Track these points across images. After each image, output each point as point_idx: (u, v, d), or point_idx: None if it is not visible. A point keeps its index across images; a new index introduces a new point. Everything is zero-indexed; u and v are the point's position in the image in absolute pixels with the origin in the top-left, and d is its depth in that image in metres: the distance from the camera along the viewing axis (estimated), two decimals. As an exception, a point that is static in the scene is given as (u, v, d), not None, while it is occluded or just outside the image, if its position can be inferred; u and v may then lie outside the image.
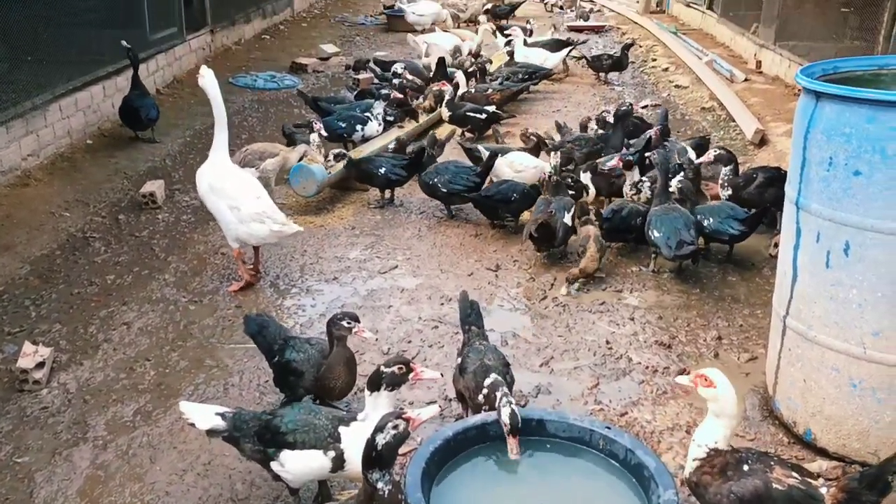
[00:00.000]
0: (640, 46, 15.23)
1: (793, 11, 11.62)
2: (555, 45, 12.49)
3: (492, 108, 9.26)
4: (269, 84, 11.89)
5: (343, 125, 8.43)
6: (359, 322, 4.06)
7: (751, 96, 10.56)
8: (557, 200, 6.23)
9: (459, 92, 9.36)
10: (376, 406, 3.34)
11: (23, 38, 8.09)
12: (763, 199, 6.25)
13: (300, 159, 7.19)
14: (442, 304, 5.53)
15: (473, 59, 12.13)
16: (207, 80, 5.47)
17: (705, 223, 5.93)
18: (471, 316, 4.30)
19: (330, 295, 5.64)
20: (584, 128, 8.63)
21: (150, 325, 5.21)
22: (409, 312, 5.41)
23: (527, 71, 11.04)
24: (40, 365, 4.51)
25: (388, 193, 7.34)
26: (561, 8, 20.41)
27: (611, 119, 8.09)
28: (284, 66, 13.15)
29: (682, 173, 6.64)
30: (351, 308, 5.42)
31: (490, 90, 9.85)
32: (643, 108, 10.88)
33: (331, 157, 7.21)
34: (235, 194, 5.44)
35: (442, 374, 4.10)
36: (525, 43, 12.19)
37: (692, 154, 6.92)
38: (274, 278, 5.88)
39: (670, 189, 6.38)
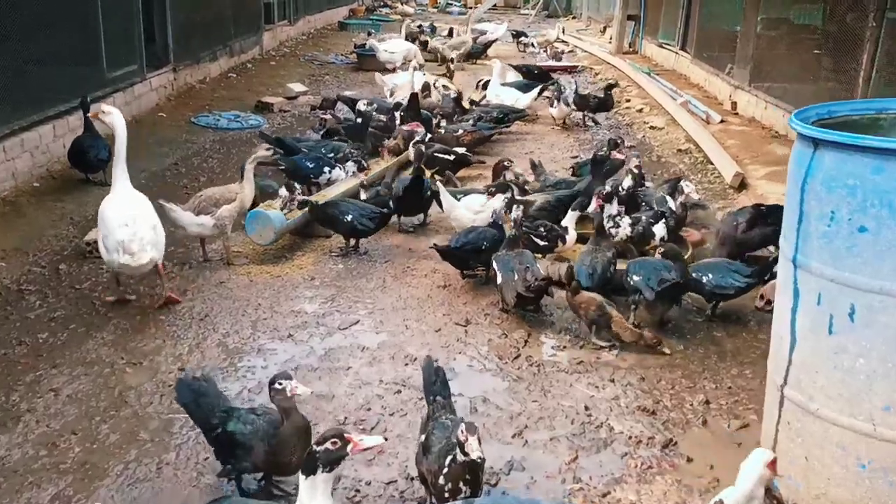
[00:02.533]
0: (614, 82, 15.03)
1: (767, 53, 11.48)
2: (525, 86, 12.27)
3: (461, 150, 8.90)
4: (233, 124, 11.47)
5: (311, 165, 8.01)
6: (291, 380, 3.60)
7: (727, 138, 10.32)
8: (519, 255, 5.82)
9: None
10: (313, 493, 2.87)
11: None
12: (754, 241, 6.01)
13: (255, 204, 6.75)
14: (406, 364, 5.07)
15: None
16: (115, 118, 5.83)
17: (704, 280, 5.56)
18: (436, 384, 3.86)
19: (283, 355, 5.16)
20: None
21: (80, 391, 4.68)
22: (369, 375, 4.94)
23: (500, 112, 10.71)
24: (-53, 442, 3.98)
25: (352, 241, 6.90)
26: (533, 45, 20.28)
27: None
28: (250, 104, 12.77)
29: (662, 221, 6.29)
30: (306, 370, 4.95)
31: (461, 131, 9.50)
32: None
33: (293, 203, 6.77)
34: (107, 222, 5.50)
35: (386, 439, 3.71)
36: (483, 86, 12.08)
37: (672, 203, 6.58)
38: (223, 335, 5.40)
39: (655, 238, 6.08)
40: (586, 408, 4.63)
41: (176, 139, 10.52)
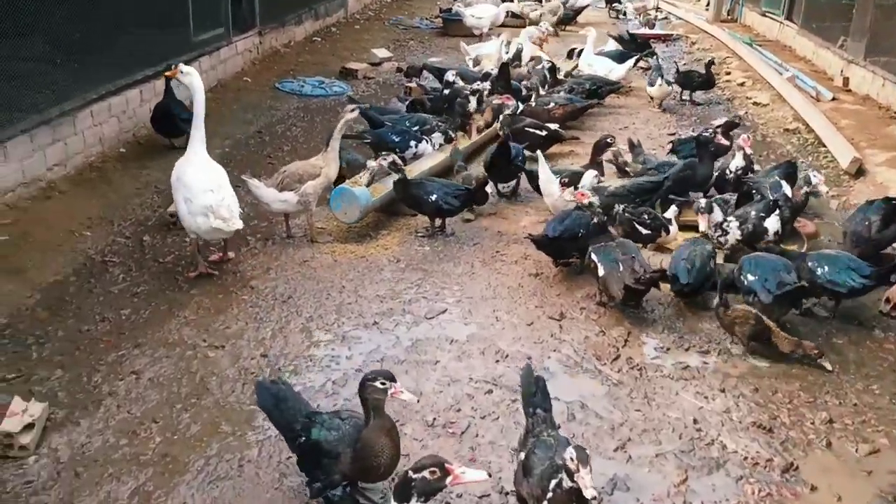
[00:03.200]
0: (714, 58, 14.22)
1: (886, 24, 10.59)
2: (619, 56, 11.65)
3: (553, 126, 8.45)
4: (317, 90, 11.25)
5: (396, 139, 7.72)
6: (395, 381, 3.33)
7: (840, 118, 9.58)
8: (621, 245, 5.42)
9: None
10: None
11: (56, 37, 7.56)
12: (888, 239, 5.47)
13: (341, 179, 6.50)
14: (497, 361, 4.77)
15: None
16: (193, 78, 5.72)
17: (819, 272, 5.06)
18: (536, 395, 3.53)
19: (368, 344, 4.91)
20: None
21: (162, 375, 4.54)
22: (458, 370, 4.66)
23: (593, 83, 10.18)
24: (29, 427, 3.86)
25: (438, 222, 6.59)
26: (625, 14, 19.45)
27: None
28: (334, 70, 12.51)
29: (777, 212, 5.78)
30: (392, 362, 4.69)
31: (552, 104, 9.03)
32: (717, 127, 10.01)
33: (384, 162, 6.42)
34: (191, 186, 5.40)
35: (490, 475, 3.36)
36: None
37: (787, 189, 6.04)
38: (307, 319, 5.18)
39: (769, 234, 5.58)
40: (695, 421, 4.24)
41: (260, 105, 10.36)
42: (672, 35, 16.86)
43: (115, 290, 5.51)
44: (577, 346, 4.95)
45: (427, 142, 7.89)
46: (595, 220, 5.57)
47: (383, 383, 3.28)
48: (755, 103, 10.93)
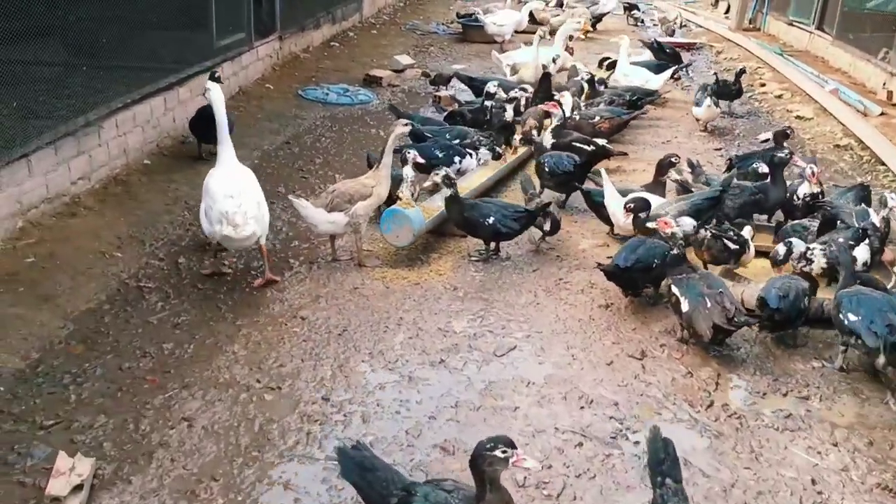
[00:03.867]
0: (745, 67, 13.83)
1: (933, 36, 10.23)
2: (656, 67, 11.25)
3: (601, 142, 8.04)
4: (343, 98, 10.82)
5: (440, 154, 7.29)
6: (515, 448, 2.93)
7: (893, 133, 9.19)
8: (704, 277, 5.00)
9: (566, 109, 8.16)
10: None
11: (79, 42, 7.13)
12: None
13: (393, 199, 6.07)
14: (582, 407, 4.35)
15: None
16: (213, 93, 5.68)
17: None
18: (665, 463, 3.11)
19: (438, 387, 4.48)
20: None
21: (217, 421, 4.10)
22: (541, 418, 4.23)
23: (633, 94, 9.77)
24: (77, 488, 3.43)
25: (492, 245, 6.17)
26: (643, 21, 19.07)
27: (763, 168, 6.78)
28: (356, 77, 12.08)
29: (866, 241, 5.38)
30: (468, 409, 4.27)
31: (597, 118, 8.62)
32: (763, 142, 9.64)
33: (436, 177, 5.99)
34: (213, 192, 5.32)
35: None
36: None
37: (875, 217, 5.63)
38: (367, 356, 4.75)
39: (857, 264, 5.17)
40: (813, 482, 3.83)
41: (285, 114, 9.92)
42: (696, 44, 16.47)
43: (153, 321, 5.07)
44: (665, 390, 4.54)
45: (471, 156, 7.47)
46: (675, 251, 5.14)
47: (504, 451, 2.87)
48: (798, 117, 10.52)
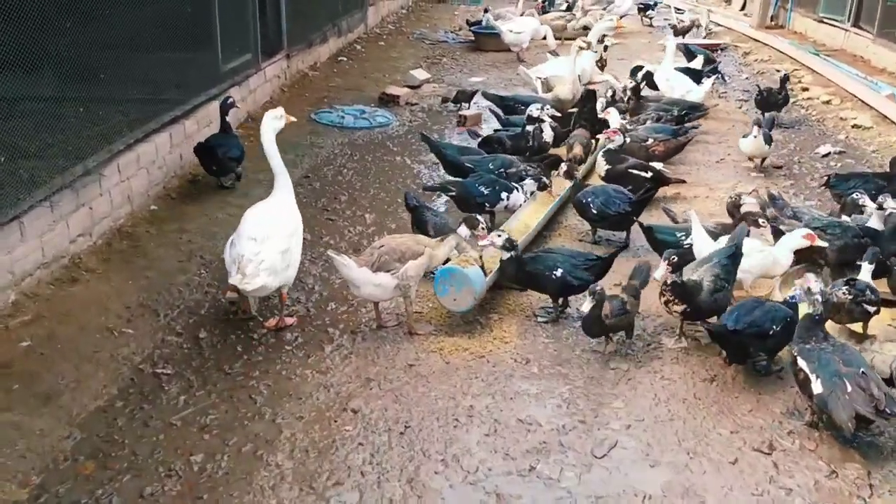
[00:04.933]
0: (777, 70, 13.02)
1: None
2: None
3: (658, 166, 7.22)
4: (360, 122, 9.97)
5: (486, 191, 6.47)
6: None
7: (971, 144, 8.39)
8: (839, 349, 4.15)
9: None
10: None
11: (73, 73, 6.26)
12: None
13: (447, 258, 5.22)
14: (719, 530, 3.51)
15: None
16: (262, 128, 5.33)
17: None
18: None
19: (536, 508, 3.64)
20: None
21: (267, 574, 3.26)
22: (671, 549, 3.40)
23: (681, 109, 8.94)
24: None
25: (560, 301, 5.34)
26: (673, 27, 18.18)
27: (865, 202, 5.93)
28: (370, 96, 11.23)
29: None
30: (579, 539, 3.43)
31: (651, 139, 7.78)
32: (824, 156, 8.82)
33: (496, 240, 5.16)
34: (241, 229, 4.94)
35: None
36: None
37: None
38: (439, 463, 3.91)
39: None
40: None
41: (300, 142, 9.07)
42: (720, 45, 15.64)
43: (176, 422, 4.22)
44: (810, 498, 3.70)
45: (519, 190, 6.64)
46: (816, 311, 4.24)
47: None
48: (855, 126, 9.69)
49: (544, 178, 6.91)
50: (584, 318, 4.76)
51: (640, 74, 10.69)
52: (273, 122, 5.29)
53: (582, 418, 4.26)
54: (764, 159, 8.30)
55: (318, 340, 5.02)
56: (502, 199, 6.51)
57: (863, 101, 10.36)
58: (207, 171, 7.44)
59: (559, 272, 5.13)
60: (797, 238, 5.27)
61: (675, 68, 10.56)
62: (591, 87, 10.28)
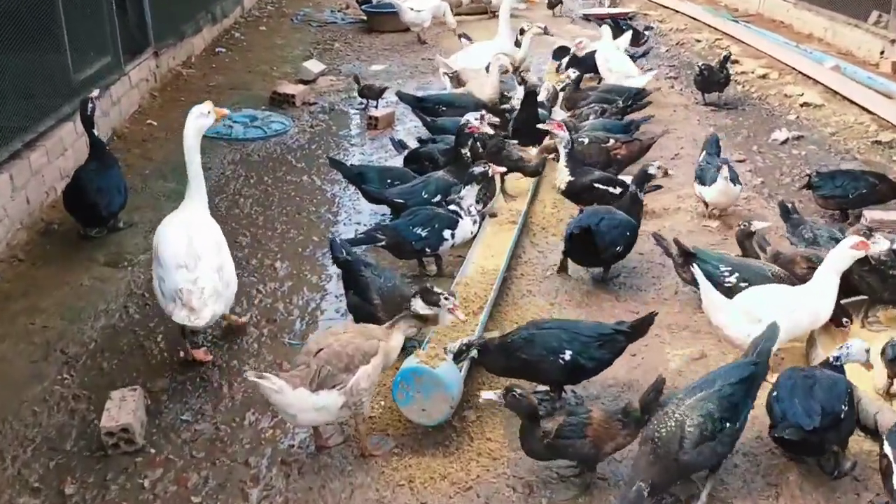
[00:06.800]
0: (697, 41, 12.15)
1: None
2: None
3: (627, 179, 6.08)
4: (252, 131, 8.40)
5: (424, 233, 5.14)
6: None
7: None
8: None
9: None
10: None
11: None
12: None
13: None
14: None
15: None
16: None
17: None
18: None
19: None
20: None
21: None
22: None
23: (626, 98, 7.82)
24: None
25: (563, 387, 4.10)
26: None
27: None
28: (260, 96, 9.63)
29: None
30: None
31: (611, 141, 6.58)
32: (783, 143, 7.92)
33: (453, 348, 3.88)
34: (164, 259, 4.26)
35: None
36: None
37: None
38: None
39: None
40: None
41: (182, 164, 7.35)
42: (628, 13, 14.66)
43: None
44: None
45: (465, 216, 5.30)
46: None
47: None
48: (805, 104, 8.84)
49: (489, 201, 5.68)
50: (521, 433, 3.51)
51: (565, 60, 9.53)
52: (199, 120, 4.49)
53: (629, 587, 3.06)
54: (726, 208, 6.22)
55: (236, 483, 3.62)
56: (446, 239, 5.20)
57: (804, 75, 9.54)
58: (70, 214, 5.84)
59: (567, 354, 3.87)
60: (845, 254, 4.13)
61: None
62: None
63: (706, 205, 6.15)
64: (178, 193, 6.77)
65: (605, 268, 5.36)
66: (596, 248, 5.09)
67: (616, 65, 8.68)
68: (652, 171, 5.40)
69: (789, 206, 5.31)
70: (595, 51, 9.13)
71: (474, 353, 3.89)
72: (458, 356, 3.84)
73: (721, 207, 6.13)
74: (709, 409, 3.24)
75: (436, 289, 3.89)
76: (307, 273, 5.55)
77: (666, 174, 5.49)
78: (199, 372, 4.42)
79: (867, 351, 3.67)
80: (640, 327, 3.96)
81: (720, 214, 6.16)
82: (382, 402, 4.11)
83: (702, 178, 6.07)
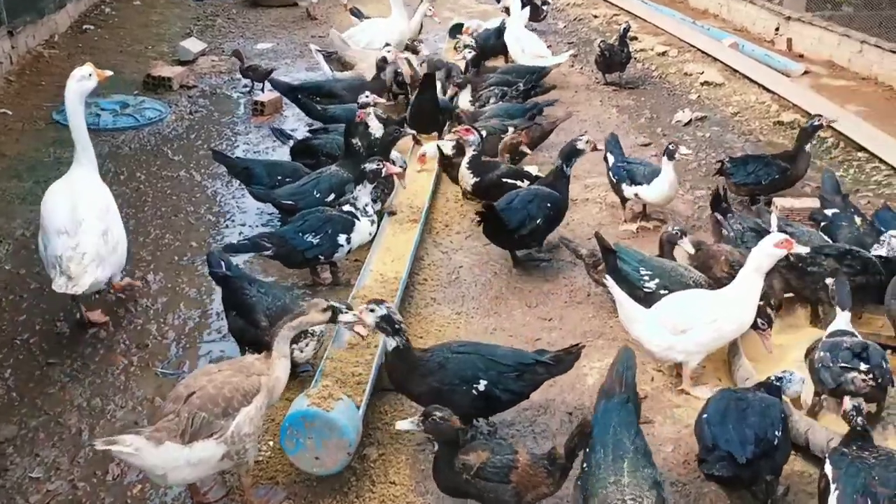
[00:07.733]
0: (594, 16, 11.92)
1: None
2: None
3: (534, 171, 5.72)
4: (122, 119, 7.62)
5: (315, 240, 4.61)
6: None
7: (840, 100, 7.60)
8: (883, 460, 2.91)
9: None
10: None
11: None
12: None
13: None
14: None
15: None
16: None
17: None
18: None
19: None
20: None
21: None
22: None
23: (528, 80, 7.45)
24: None
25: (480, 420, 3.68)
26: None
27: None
28: (133, 79, 8.82)
29: None
30: None
31: (511, 130, 6.18)
32: (686, 125, 7.74)
33: (370, 319, 3.35)
34: (46, 223, 4.26)
35: None
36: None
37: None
38: None
39: None
40: None
41: (41, 160, 6.64)
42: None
43: None
44: None
45: (361, 218, 4.81)
46: (858, 426, 2.93)
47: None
48: (705, 83, 8.69)
49: (384, 199, 5.21)
50: (436, 462, 3.12)
51: (463, 38, 9.06)
52: (81, 83, 4.46)
53: None
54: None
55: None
56: (341, 245, 4.70)
57: (704, 53, 9.41)
58: None
59: (482, 385, 3.44)
60: (768, 253, 3.84)
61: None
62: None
63: (632, 206, 5.69)
64: (27, 195, 6.03)
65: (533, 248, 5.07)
66: (505, 227, 4.77)
67: (529, 45, 8.28)
68: (581, 145, 5.09)
69: (722, 192, 4.98)
70: (489, 28, 8.75)
71: (391, 343, 3.38)
72: (384, 325, 3.33)
73: (661, 206, 5.70)
74: (650, 475, 2.86)
75: (331, 301, 3.40)
76: (184, 286, 4.94)
77: (595, 148, 5.19)
78: (53, 415, 3.79)
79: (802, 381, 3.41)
80: (565, 361, 3.58)
81: (645, 214, 5.80)
82: (271, 443, 3.60)
83: (632, 178, 5.48)
